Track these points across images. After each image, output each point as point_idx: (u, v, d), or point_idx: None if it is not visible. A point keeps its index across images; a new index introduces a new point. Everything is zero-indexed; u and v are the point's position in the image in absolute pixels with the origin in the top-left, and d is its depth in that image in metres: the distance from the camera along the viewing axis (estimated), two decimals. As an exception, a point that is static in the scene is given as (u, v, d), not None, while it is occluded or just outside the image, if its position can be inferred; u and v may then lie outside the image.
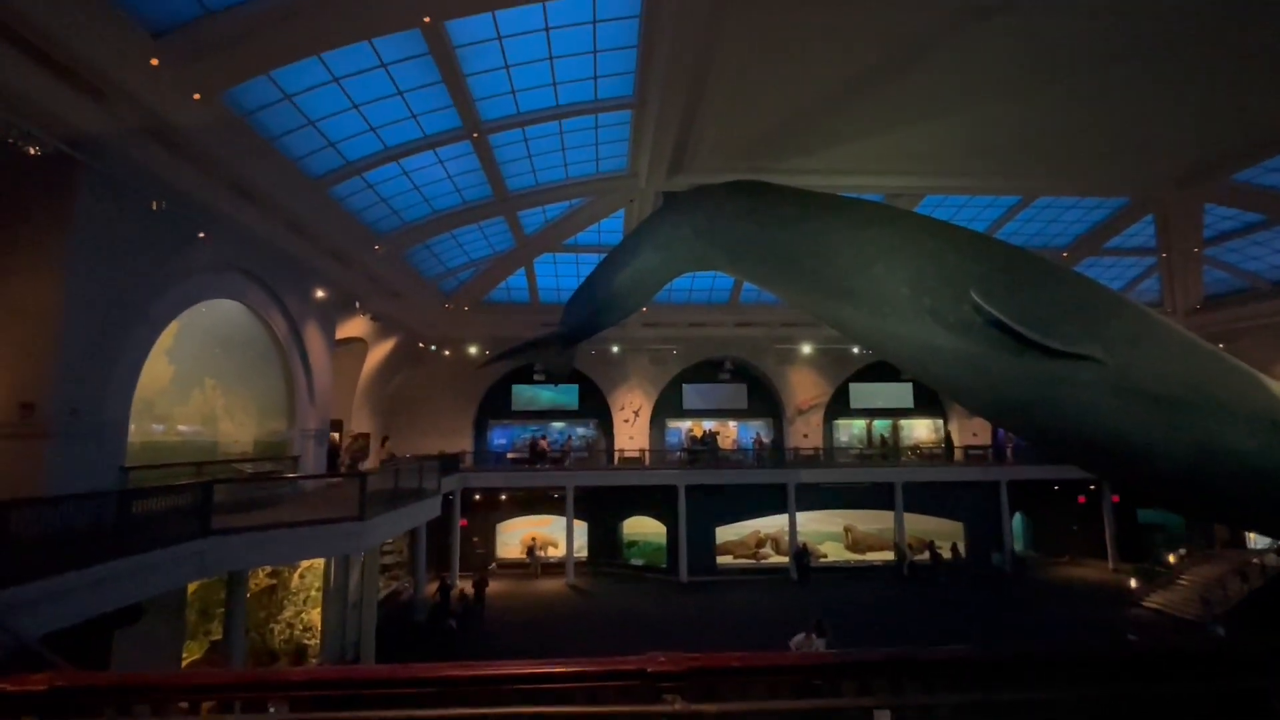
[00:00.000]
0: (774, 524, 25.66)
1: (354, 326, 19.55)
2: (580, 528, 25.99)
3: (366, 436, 21.81)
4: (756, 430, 29.71)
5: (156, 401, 11.94)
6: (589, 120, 14.97)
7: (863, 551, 25.86)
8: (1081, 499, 26.16)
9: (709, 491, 24.97)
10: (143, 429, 11.44)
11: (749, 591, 22.69)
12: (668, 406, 29.08)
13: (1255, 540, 19.82)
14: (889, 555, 25.34)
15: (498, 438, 28.87)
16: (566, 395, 29.24)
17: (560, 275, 23.85)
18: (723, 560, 25.61)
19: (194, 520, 9.31)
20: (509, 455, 27.41)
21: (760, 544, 26.05)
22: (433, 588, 20.53)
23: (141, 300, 10.41)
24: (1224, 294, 23.45)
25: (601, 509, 26.15)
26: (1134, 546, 24.88)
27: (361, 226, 15.64)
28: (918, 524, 25.63)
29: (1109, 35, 12.28)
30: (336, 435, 19.27)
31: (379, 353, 22.31)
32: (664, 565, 25.51)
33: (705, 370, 28.91)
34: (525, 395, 28.98)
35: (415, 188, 15.67)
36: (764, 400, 29.52)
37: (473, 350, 24.82)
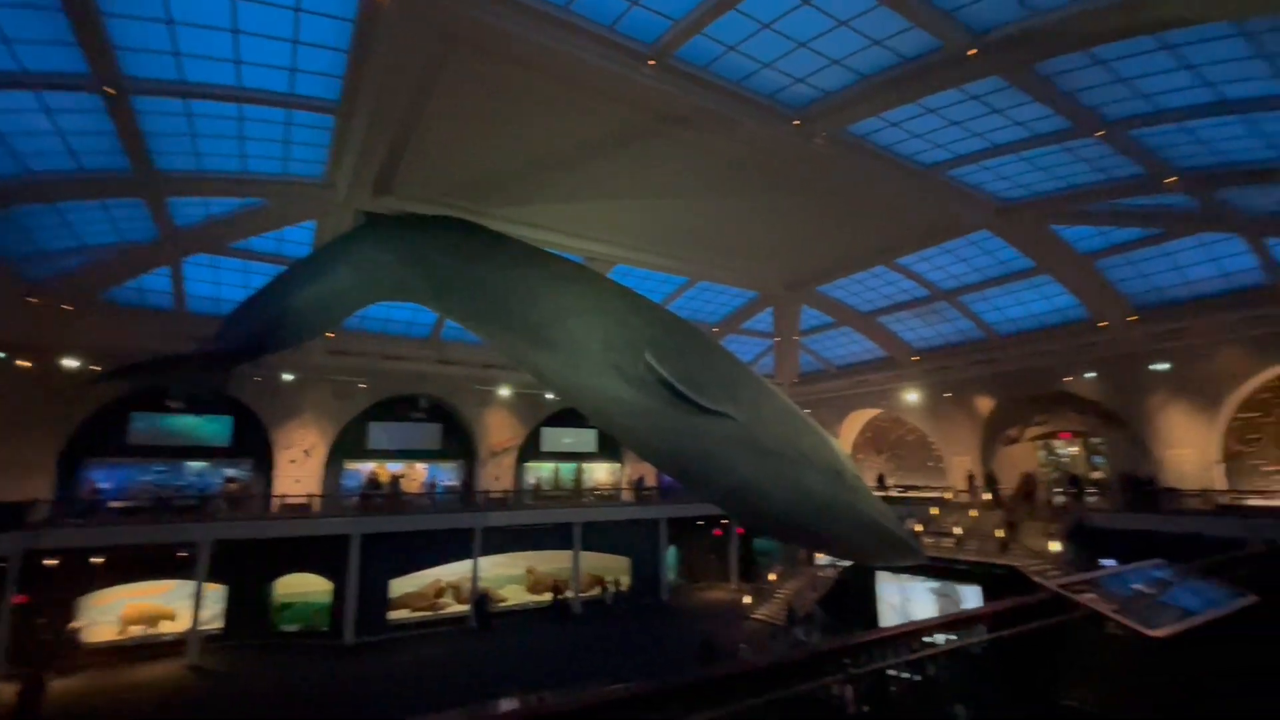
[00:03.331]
0: (456, 571, 24.70)
1: None
2: (215, 593, 21.09)
3: None
4: (451, 471, 28.63)
5: None
6: (279, 113, 13.20)
7: (541, 592, 26.57)
8: (718, 532, 31.56)
9: (387, 540, 22.91)
10: None
11: (427, 646, 21.19)
12: (349, 446, 26.07)
13: (820, 559, 26.38)
14: (566, 594, 26.47)
15: (101, 480, 21.85)
16: (214, 428, 23.94)
17: (222, 283, 19.89)
18: (398, 615, 23.51)
19: None
20: (110, 504, 20.98)
21: (440, 593, 24.74)
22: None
23: None
24: (811, 373, 31.65)
25: (247, 568, 21.65)
26: (750, 570, 30.90)
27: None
28: (593, 561, 27.53)
29: (743, 168, 15.96)
30: None
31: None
32: (326, 628, 22.23)
33: (397, 407, 26.92)
34: (151, 426, 22.77)
35: (-3, 135, 11.57)
36: (459, 441, 28.70)
37: (71, 362, 18.65)
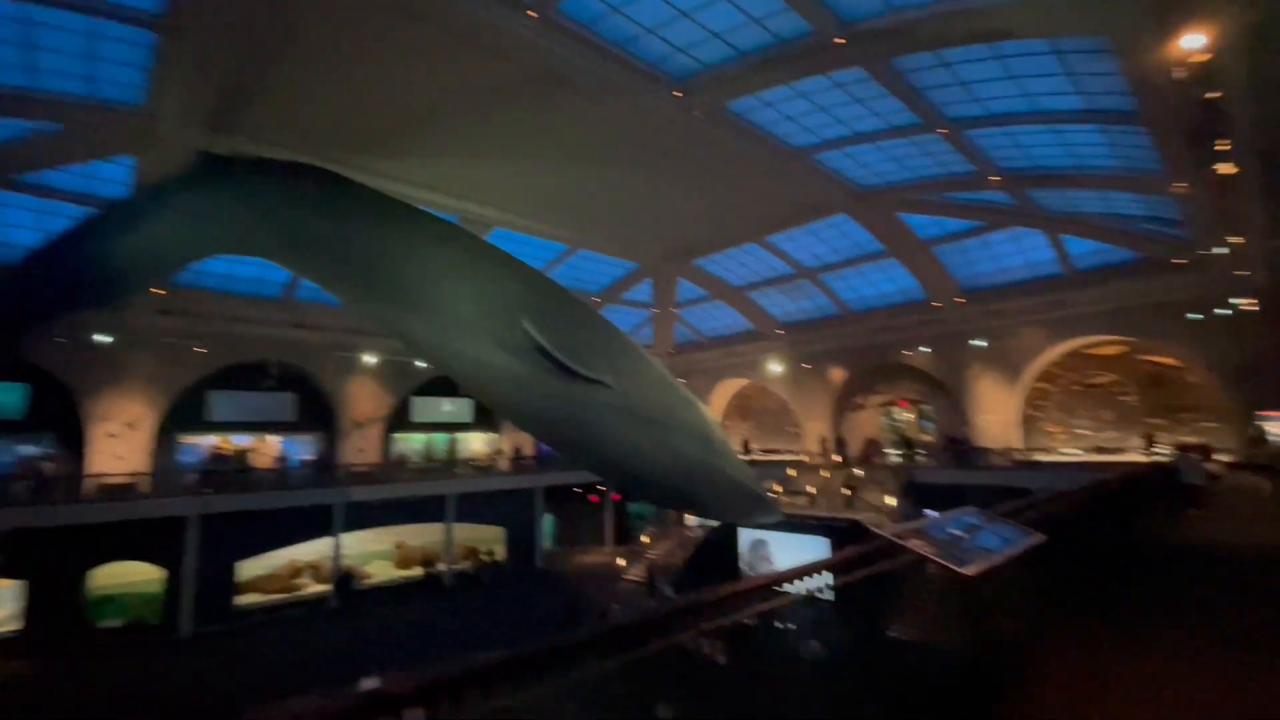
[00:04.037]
0: (315, 549, 23.07)
1: None
2: (10, 590, 18.02)
3: None
4: (308, 444, 26.42)
5: None
6: (80, 21, 11.06)
7: (411, 567, 25.62)
8: (594, 498, 32.14)
9: (233, 520, 20.78)
10: None
11: (281, 632, 19.66)
12: (186, 418, 23.12)
13: (689, 521, 27.84)
14: (438, 567, 25.71)
15: None
16: (4, 398, 20.15)
17: (9, 225, 16.58)
18: (247, 600, 21.56)
19: None
20: None
21: (297, 574, 23.02)
22: None
23: None
24: (686, 343, 32.80)
25: (52, 559, 18.66)
26: (625, 533, 31.91)
27: None
28: (466, 532, 26.92)
29: (625, 137, 15.95)
30: None
31: None
32: (157, 620, 19.87)
33: (244, 375, 24.23)
34: (-93, 396, 18.70)
35: None
36: (317, 412, 26.50)
37: None
